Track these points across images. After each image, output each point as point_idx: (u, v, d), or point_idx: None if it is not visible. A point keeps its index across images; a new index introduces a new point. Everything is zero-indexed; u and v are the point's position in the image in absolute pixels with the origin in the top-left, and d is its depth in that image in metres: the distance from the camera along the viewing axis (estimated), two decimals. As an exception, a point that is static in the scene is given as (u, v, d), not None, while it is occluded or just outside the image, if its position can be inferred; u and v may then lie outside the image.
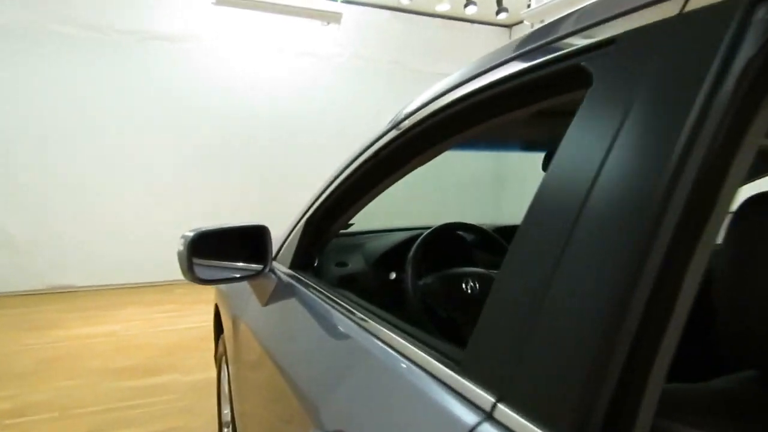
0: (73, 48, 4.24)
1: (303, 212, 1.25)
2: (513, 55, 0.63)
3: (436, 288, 1.23)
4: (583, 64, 0.49)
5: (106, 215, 4.41)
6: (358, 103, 5.12)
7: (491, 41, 5.76)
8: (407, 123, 0.87)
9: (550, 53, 0.55)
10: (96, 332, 3.28)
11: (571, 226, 0.40)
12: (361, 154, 1.01)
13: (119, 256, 4.40)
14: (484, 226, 1.47)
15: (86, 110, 4.30)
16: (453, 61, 5.42)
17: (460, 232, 1.41)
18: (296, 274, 1.19)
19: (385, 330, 0.73)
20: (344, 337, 0.86)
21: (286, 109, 4.91)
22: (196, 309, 3.73)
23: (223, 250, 1.26)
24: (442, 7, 4.84)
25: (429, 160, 0.92)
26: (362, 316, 0.83)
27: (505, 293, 0.48)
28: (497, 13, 4.98)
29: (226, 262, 1.27)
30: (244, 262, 1.28)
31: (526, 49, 0.60)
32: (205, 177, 4.70)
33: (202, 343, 2.86)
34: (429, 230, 1.30)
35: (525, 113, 0.71)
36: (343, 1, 4.71)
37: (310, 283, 1.12)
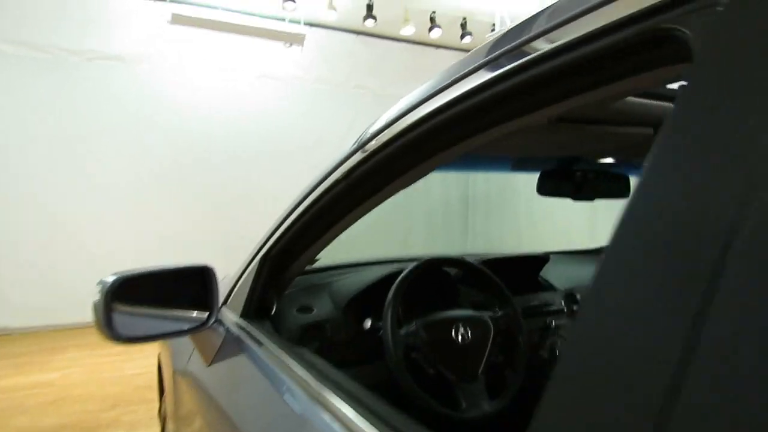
0: (21, 68, 3.93)
1: (258, 248, 1.04)
2: (536, 30, 0.46)
3: (421, 338, 1.03)
4: (673, 27, 0.32)
5: (49, 245, 4.03)
6: (323, 127, 4.95)
7: (456, 66, 5.74)
8: (380, 140, 0.70)
9: (602, 18, 0.37)
10: (28, 382, 2.91)
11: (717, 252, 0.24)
12: (325, 178, 0.82)
13: (62, 292, 3.99)
14: (470, 258, 1.29)
15: (31, 132, 3.97)
16: (418, 85, 5.35)
17: (445, 268, 1.22)
18: (248, 326, 0.98)
19: (358, 415, 0.54)
20: (300, 421, 0.66)
21: (247, 133, 4.69)
22: (145, 351, 3.38)
23: (156, 297, 1.04)
24: (407, 31, 4.78)
25: (412, 182, 0.74)
26: (324, 389, 0.64)
27: (599, 357, 0.29)
28: (461, 37, 4.95)
29: (161, 313, 1.04)
30: (184, 311, 1.06)
31: (558, 17, 0.43)
32: (161, 202, 4.40)
33: (149, 392, 2.55)
34: (409, 267, 1.10)
35: (546, 116, 0.54)
36: (306, 23, 4.57)
37: (263, 338, 0.91)
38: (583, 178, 1.11)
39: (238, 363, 0.96)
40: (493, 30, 4.73)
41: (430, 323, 1.05)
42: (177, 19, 3.88)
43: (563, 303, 1.39)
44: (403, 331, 1.03)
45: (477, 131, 0.60)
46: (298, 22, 4.51)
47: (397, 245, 4.81)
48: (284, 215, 0.96)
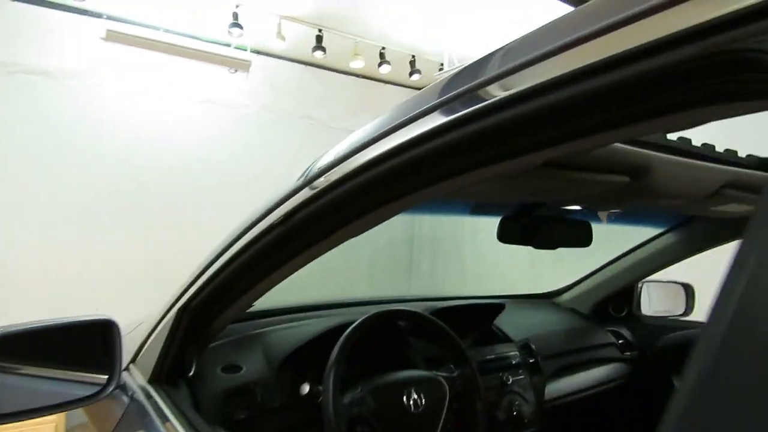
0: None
1: (175, 298, 0.88)
2: (499, 69, 0.41)
3: (367, 407, 0.88)
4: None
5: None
6: (267, 156, 4.78)
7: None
8: (330, 178, 0.61)
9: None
10: None
11: None
12: (263, 217, 0.70)
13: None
14: (420, 306, 1.17)
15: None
16: (366, 119, 5.31)
17: (399, 322, 1.09)
18: (157, 394, 0.81)
19: None
20: None
21: (187, 159, 4.43)
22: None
23: (44, 358, 0.85)
24: (356, 65, 4.75)
25: (368, 228, 0.63)
26: None
27: None
28: (410, 74, 4.99)
29: (50, 377, 0.85)
30: (78, 374, 0.88)
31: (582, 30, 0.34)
32: (87, 233, 4.01)
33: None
34: (356, 322, 0.97)
35: (521, 166, 0.46)
36: (252, 51, 4.45)
37: (172, 410, 0.75)
38: (546, 226, 1.04)
39: None
40: (441, 69, 4.81)
41: (379, 388, 0.91)
42: (112, 36, 3.65)
43: (519, 356, 1.30)
44: (347, 399, 0.88)
45: (442, 177, 0.51)
46: (245, 49, 4.38)
47: (337, 285, 4.65)
48: (210, 260, 0.82)
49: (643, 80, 0.33)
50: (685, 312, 1.67)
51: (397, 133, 0.52)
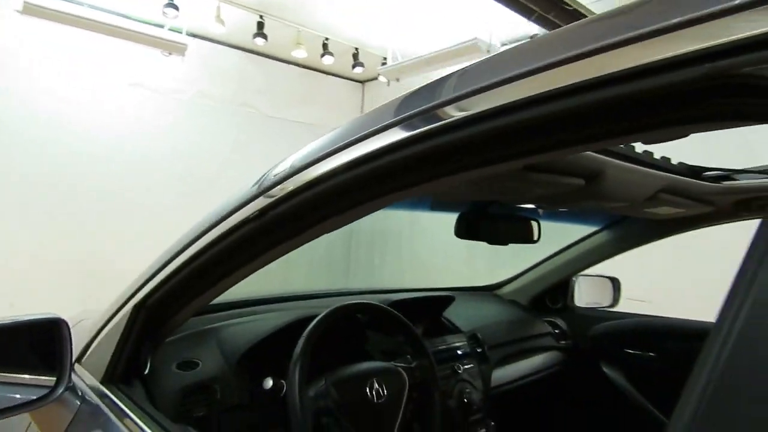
0: None
1: (129, 295, 0.85)
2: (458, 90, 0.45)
3: (332, 399, 0.89)
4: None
5: None
6: (204, 144, 4.60)
7: (345, 95, 5.76)
8: (285, 189, 0.62)
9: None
10: None
11: None
12: (222, 220, 0.71)
13: None
14: (375, 300, 1.19)
15: None
16: (308, 110, 5.26)
17: (358, 315, 1.11)
18: (111, 394, 0.78)
19: None
20: None
21: (114, 147, 4.17)
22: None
23: None
24: (299, 54, 4.67)
25: (322, 233, 0.65)
26: None
27: None
28: (353, 66, 4.98)
29: None
30: (23, 376, 0.83)
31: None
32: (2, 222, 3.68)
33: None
34: (320, 316, 0.97)
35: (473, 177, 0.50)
36: (189, 34, 4.25)
37: (133, 406, 0.73)
38: (500, 223, 1.09)
39: None
40: (384, 63, 4.83)
41: (343, 380, 0.93)
42: (30, 10, 3.35)
43: (468, 346, 1.36)
44: (311, 392, 0.89)
45: (397, 189, 0.54)
46: (180, 31, 4.17)
47: (275, 277, 4.57)
48: (167, 258, 0.80)
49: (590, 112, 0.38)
50: (612, 303, 1.81)
51: (355, 146, 0.54)
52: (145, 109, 4.36)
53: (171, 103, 4.51)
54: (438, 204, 1.14)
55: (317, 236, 0.65)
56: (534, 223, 1.15)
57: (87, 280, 3.79)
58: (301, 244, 0.66)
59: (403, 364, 1.05)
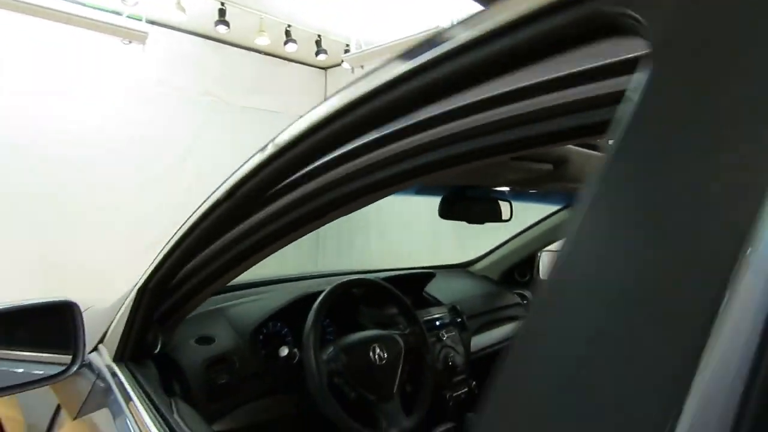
0: None
1: (140, 278, 0.93)
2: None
3: (342, 362, 1.03)
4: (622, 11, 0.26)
5: None
6: (163, 134, 4.55)
7: (307, 82, 5.78)
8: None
9: None
10: None
11: None
12: (234, 208, 0.71)
13: None
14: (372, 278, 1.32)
15: None
16: (270, 98, 5.26)
17: (354, 290, 1.23)
18: (120, 371, 0.86)
19: None
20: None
21: (72, 138, 4.07)
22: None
23: (7, 341, 0.87)
24: (262, 41, 4.67)
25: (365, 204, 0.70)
26: None
27: None
28: (317, 54, 5.01)
29: (14, 359, 0.88)
30: (42, 355, 0.91)
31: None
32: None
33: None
34: (326, 291, 1.09)
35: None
36: (148, 21, 4.18)
37: (137, 387, 0.80)
38: (479, 204, 1.23)
39: (101, 419, 0.85)
40: (347, 51, 4.88)
41: (349, 346, 1.06)
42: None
43: (449, 316, 1.50)
44: (324, 357, 1.01)
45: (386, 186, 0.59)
46: (140, 19, 4.10)
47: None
48: (173, 241, 0.86)
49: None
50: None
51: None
52: (104, 99, 4.27)
53: (131, 92, 4.43)
54: (422, 189, 1.27)
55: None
56: (507, 204, 1.29)
57: (48, 272, 3.72)
58: (309, 232, 0.72)
59: (398, 332, 1.18)
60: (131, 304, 0.90)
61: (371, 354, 1.07)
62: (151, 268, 0.88)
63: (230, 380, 1.00)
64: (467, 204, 1.23)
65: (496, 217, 1.28)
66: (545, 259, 2.02)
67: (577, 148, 0.93)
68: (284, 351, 1.04)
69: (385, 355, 1.09)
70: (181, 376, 0.97)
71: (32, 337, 0.92)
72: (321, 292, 1.14)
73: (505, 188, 1.22)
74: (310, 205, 0.65)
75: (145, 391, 0.81)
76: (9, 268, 3.66)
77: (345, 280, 1.16)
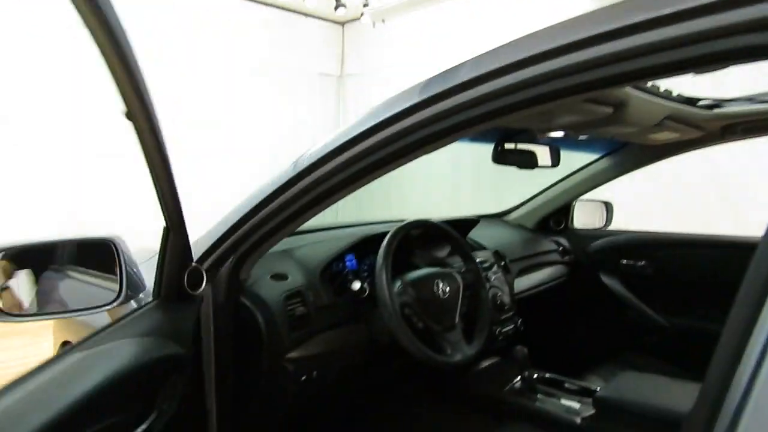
0: None
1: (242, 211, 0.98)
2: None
3: (409, 295, 1.12)
4: None
5: None
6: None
7: (324, 38, 5.73)
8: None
9: None
10: None
11: None
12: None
13: None
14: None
15: None
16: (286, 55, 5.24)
17: (412, 231, 1.31)
18: (153, 306, 0.93)
19: None
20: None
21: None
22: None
23: (56, 272, 0.99)
24: (282, -3, 4.62)
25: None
26: None
27: None
28: (336, 8, 4.95)
29: (61, 288, 0.98)
30: (105, 282, 0.99)
31: None
32: None
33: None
34: (393, 229, 1.17)
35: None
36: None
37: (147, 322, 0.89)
38: (530, 150, 1.29)
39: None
40: (366, 5, 4.82)
41: (416, 281, 1.15)
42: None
43: (493, 259, 1.59)
44: (395, 289, 1.10)
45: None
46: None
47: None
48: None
49: None
50: (605, 224, 2.06)
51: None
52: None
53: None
54: (477, 135, 1.32)
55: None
56: (558, 150, 1.35)
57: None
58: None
59: (455, 270, 1.27)
60: (160, 244, 0.90)
61: (435, 288, 1.16)
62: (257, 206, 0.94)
63: (306, 312, 1.09)
64: (518, 151, 1.28)
65: (546, 162, 1.34)
66: (578, 208, 2.08)
67: (637, 92, 0.97)
68: (356, 285, 1.14)
69: (447, 289, 1.18)
70: (264, 308, 1.06)
71: (98, 268, 1.01)
72: (376, 235, 1.23)
73: (558, 133, 1.27)
74: (383, 152, 0.77)
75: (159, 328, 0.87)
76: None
77: (408, 221, 1.24)
